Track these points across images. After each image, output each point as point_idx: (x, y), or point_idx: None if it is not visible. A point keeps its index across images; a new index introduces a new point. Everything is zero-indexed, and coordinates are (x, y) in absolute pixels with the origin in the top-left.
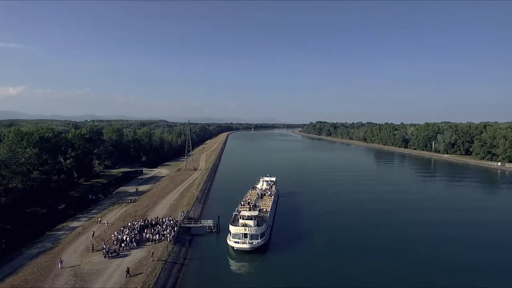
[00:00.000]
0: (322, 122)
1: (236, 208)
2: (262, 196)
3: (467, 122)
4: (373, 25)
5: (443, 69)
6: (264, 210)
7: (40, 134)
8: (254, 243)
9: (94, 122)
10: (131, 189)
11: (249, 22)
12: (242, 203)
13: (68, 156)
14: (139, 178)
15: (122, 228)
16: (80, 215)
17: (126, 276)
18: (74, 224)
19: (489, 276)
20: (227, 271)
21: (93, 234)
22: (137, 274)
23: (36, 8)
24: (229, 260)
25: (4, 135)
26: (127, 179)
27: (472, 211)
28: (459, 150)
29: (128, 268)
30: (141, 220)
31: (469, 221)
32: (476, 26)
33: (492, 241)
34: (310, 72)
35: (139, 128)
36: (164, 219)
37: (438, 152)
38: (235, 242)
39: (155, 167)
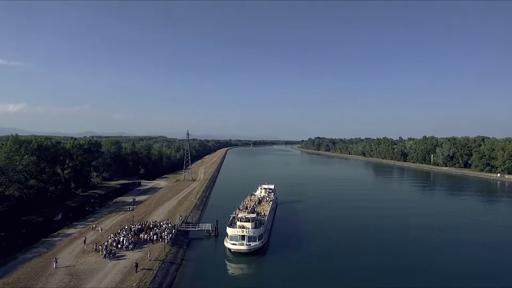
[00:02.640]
0: (321, 138)
1: (234, 212)
2: (260, 202)
3: (464, 136)
4: (371, 43)
5: (437, 87)
6: (262, 214)
7: (38, 143)
8: (251, 244)
9: (93, 137)
10: (129, 199)
11: (248, 39)
12: (240, 207)
13: (66, 166)
14: (137, 189)
15: (119, 231)
16: (76, 223)
17: (136, 271)
18: (70, 231)
19: None
20: (225, 272)
21: (84, 241)
22: (142, 269)
23: (38, 25)
24: (227, 261)
25: (2, 144)
26: (125, 190)
27: (480, 224)
28: (457, 163)
29: (136, 264)
30: (138, 224)
31: (479, 236)
32: (470, 44)
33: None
34: (308, 89)
35: (138, 142)
36: (161, 223)
37: (437, 165)
38: (233, 244)
39: (154, 179)
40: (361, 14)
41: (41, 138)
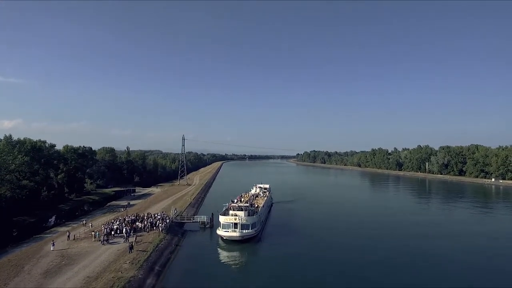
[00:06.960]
0: (316, 151)
1: (227, 203)
2: (255, 197)
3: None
4: (368, 58)
5: (429, 101)
6: (256, 206)
7: (32, 144)
8: (244, 232)
9: None
10: (123, 203)
11: (244, 56)
12: (235, 200)
13: (59, 171)
14: (132, 195)
15: (112, 220)
16: (69, 222)
17: (130, 252)
18: (63, 229)
19: None
20: (220, 258)
21: (68, 236)
22: (136, 251)
23: (36, 41)
24: (220, 249)
25: None
26: (119, 197)
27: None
28: (452, 170)
29: (131, 244)
30: (132, 215)
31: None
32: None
33: None
34: (306, 104)
35: (133, 152)
36: (156, 214)
37: (432, 173)
38: (225, 231)
39: (148, 187)
40: (357, 33)
41: (35, 140)
